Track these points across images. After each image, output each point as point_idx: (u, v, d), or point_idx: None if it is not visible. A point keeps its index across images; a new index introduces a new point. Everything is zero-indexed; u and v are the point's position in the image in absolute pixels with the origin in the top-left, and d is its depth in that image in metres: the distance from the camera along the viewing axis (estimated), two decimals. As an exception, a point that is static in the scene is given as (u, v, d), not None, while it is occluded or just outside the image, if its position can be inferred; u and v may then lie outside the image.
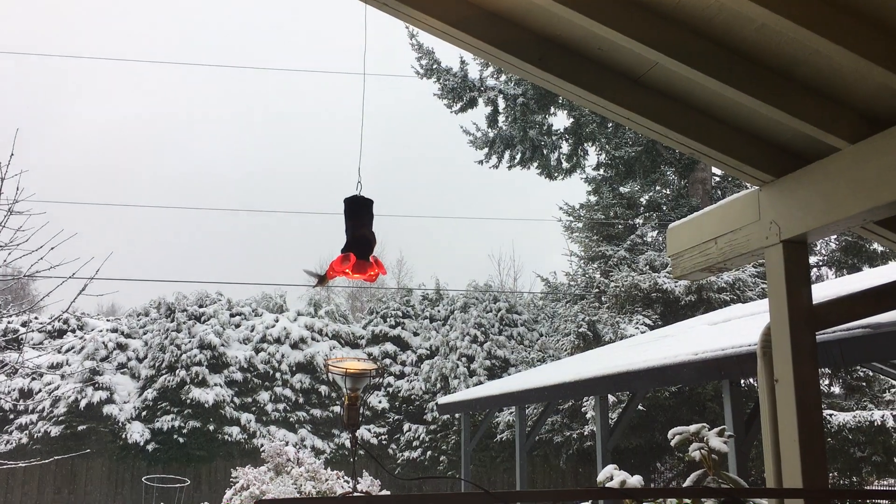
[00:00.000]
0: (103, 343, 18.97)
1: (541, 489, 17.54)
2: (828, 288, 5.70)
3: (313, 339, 20.59)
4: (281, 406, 19.44)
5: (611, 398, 13.94)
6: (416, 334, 21.42)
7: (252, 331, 20.37)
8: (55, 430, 17.58)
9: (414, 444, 19.58)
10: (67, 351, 18.97)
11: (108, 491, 18.30)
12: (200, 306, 19.99)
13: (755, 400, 10.35)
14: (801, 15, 2.29)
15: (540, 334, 20.79)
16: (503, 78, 18.65)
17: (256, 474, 9.67)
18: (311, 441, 19.03)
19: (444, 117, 19.33)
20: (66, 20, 62.85)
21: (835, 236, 18.63)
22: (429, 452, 19.39)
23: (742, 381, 7.61)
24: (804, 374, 2.88)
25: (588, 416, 15.60)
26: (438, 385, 19.46)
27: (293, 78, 73.48)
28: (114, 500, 18.26)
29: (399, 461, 19.42)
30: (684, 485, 3.08)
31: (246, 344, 20.10)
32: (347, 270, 2.89)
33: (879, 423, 13.17)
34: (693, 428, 3.31)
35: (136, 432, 18.05)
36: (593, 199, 21.26)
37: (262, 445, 17.02)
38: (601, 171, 20.43)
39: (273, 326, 20.41)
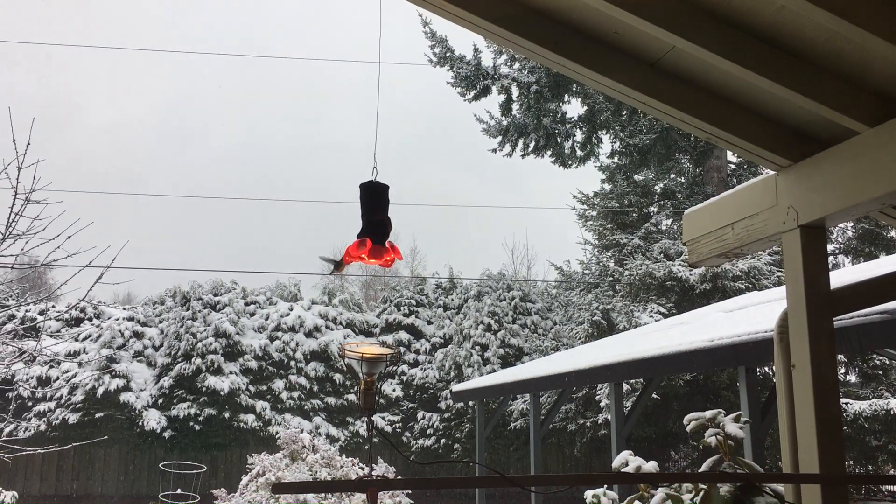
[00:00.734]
0: (120, 331, 19.13)
1: (555, 474, 17.53)
2: (845, 274, 5.67)
3: (327, 327, 20.68)
4: (295, 394, 19.55)
5: (625, 387, 13.93)
6: (429, 323, 21.46)
7: (266, 319, 20.47)
8: (73, 418, 17.77)
9: (428, 432, 19.65)
10: (84, 339, 19.14)
11: (125, 477, 18.49)
12: (215, 295, 20.10)
13: (770, 388, 10.32)
14: (821, -4, 2.27)
15: (554, 323, 20.78)
16: (517, 66, 18.57)
17: (272, 461, 9.73)
18: (325, 429, 19.14)
19: (458, 105, 19.23)
20: (84, 10, 63.09)
21: (852, 224, 18.49)
22: (443, 440, 19.46)
23: (757, 369, 7.58)
24: (822, 359, 2.87)
25: (602, 404, 15.59)
26: (452, 373, 19.50)
27: (308, 67, 73.46)
28: (131, 486, 18.45)
29: (413, 449, 19.50)
30: (700, 470, 3.08)
31: (261, 332, 20.21)
32: (363, 255, 2.89)
33: (896, 412, 13.11)
34: (709, 414, 3.30)
35: (153, 420, 18.21)
36: (607, 187, 21.18)
37: (277, 433, 17.12)
38: (615, 159, 20.33)
39: (287, 315, 20.50)
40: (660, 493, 3.34)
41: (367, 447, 18.65)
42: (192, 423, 18.33)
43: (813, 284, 2.93)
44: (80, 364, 18.17)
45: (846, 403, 13.47)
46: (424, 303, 21.95)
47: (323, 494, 8.43)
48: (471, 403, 18.17)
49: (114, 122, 60.09)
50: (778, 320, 3.15)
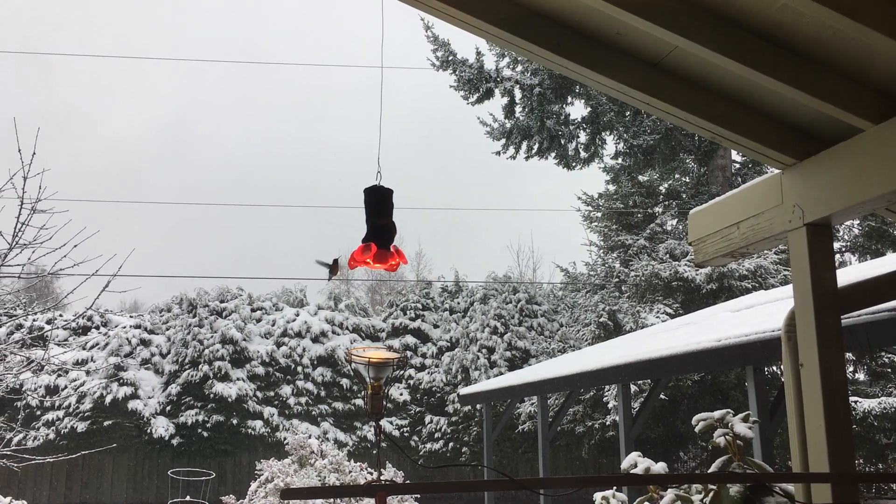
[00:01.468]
0: (127, 339, 19.17)
1: (564, 476, 17.50)
2: (852, 272, 5.65)
3: (334, 332, 20.68)
4: (303, 399, 19.55)
5: (632, 388, 13.90)
6: (436, 326, 21.45)
7: (273, 325, 20.49)
8: (81, 426, 17.80)
9: (436, 435, 19.63)
10: (92, 347, 19.18)
11: (134, 485, 18.52)
12: (222, 301, 20.14)
13: (778, 387, 10.28)
14: (823, -6, 2.26)
15: (560, 325, 20.75)
16: (519, 68, 18.57)
17: (281, 466, 9.73)
18: (333, 434, 19.14)
19: (461, 108, 19.23)
20: (85, 19, 63.33)
21: (858, 221, 18.43)
22: (451, 444, 19.44)
23: (765, 369, 7.55)
24: (830, 358, 2.86)
25: (610, 405, 15.56)
26: (459, 377, 19.48)
27: (313, 72, 73.63)
28: (140, 494, 18.48)
29: (421, 453, 19.48)
30: (709, 470, 3.07)
31: (267, 338, 20.23)
32: (368, 260, 2.89)
33: (905, 410, 13.03)
34: (717, 414, 3.29)
35: (161, 427, 18.24)
36: (612, 188, 21.16)
37: (285, 439, 17.09)
38: (620, 160, 20.30)
39: (294, 321, 20.52)
40: (669, 494, 3.33)
41: (375, 452, 18.63)
42: (200, 430, 18.35)
43: (820, 283, 2.92)
44: (87, 372, 18.20)
45: (855, 402, 13.41)
46: (430, 306, 21.94)
47: (332, 499, 8.42)
48: (478, 406, 18.15)
49: (117, 129, 60.29)
50: (785, 319, 3.14)
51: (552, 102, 18.58)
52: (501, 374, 18.22)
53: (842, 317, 2.97)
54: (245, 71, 62.08)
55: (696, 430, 3.33)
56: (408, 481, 11.65)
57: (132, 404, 18.24)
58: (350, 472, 9.81)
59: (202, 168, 57.93)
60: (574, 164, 19.70)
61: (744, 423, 3.25)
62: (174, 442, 18.27)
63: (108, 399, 18.00)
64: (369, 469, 10.28)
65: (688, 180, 20.91)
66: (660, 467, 3.70)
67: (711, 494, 3.07)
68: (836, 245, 19.01)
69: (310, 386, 19.73)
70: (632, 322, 16.46)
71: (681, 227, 19.59)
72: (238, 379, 18.97)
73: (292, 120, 62.45)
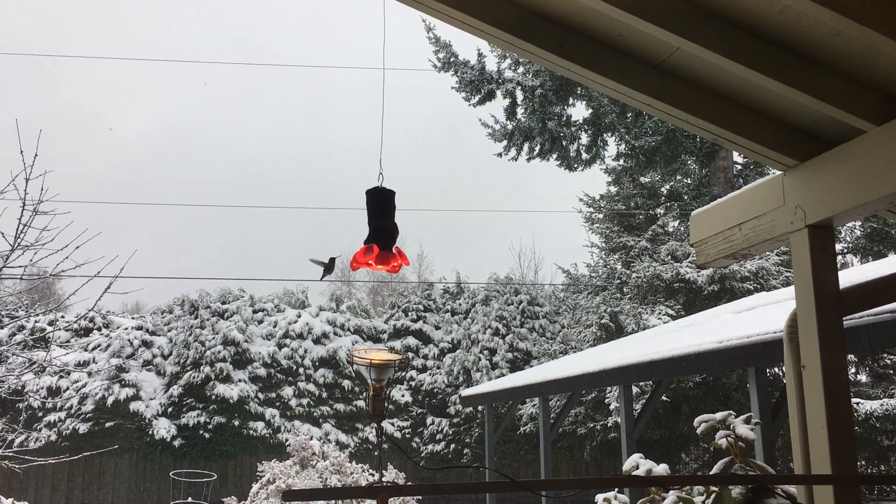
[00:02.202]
0: (129, 341, 19.17)
1: (566, 478, 17.52)
2: (854, 274, 5.64)
3: (335, 334, 20.68)
4: (304, 401, 19.55)
5: (634, 389, 13.89)
6: (437, 328, 21.44)
7: (275, 326, 20.50)
8: (83, 428, 17.81)
9: (437, 437, 19.63)
10: (94, 349, 19.19)
11: (136, 486, 18.52)
12: (223, 303, 20.15)
13: (780, 389, 10.28)
14: (825, -5, 2.26)
15: (562, 326, 20.74)
16: (521, 70, 18.57)
17: (282, 468, 9.74)
18: (335, 435, 19.14)
19: (463, 110, 19.24)
20: (92, 22, 63.44)
21: (859, 222, 18.41)
22: (452, 445, 19.43)
23: (767, 370, 7.55)
24: (832, 360, 2.86)
25: (612, 407, 15.55)
26: (461, 378, 19.48)
27: (315, 73, 73.67)
28: (142, 495, 18.48)
29: (423, 454, 19.48)
30: (711, 472, 3.07)
31: (269, 340, 20.24)
32: (370, 261, 2.89)
33: (908, 411, 13.03)
34: (719, 415, 3.29)
35: (163, 428, 18.24)
36: (614, 189, 21.16)
37: (286, 440, 17.14)
38: (621, 162, 20.30)
39: (295, 322, 20.52)
40: (671, 495, 3.33)
41: (376, 453, 18.64)
42: (201, 432, 18.36)
43: (822, 284, 2.92)
44: (89, 374, 18.20)
45: (857, 403, 13.40)
46: (432, 308, 21.94)
47: (334, 501, 8.43)
48: (480, 408, 18.15)
49: (121, 131, 60.36)
50: (787, 321, 3.14)
51: (554, 104, 18.58)
52: (503, 375, 18.21)
53: (844, 318, 2.97)
54: (248, 72, 62.19)
55: (698, 431, 3.33)
56: (409, 483, 11.65)
57: (134, 406, 18.25)
58: (352, 473, 9.82)
59: (205, 169, 57.97)
60: (576, 166, 19.69)
61: (746, 424, 3.25)
62: (176, 443, 18.27)
63: (110, 400, 18.01)
64: (371, 470, 10.29)
65: (689, 182, 20.90)
66: (661, 469, 3.70)
67: (713, 496, 3.07)
68: (838, 246, 18.99)
69: (311, 387, 19.73)
70: (633, 324, 16.45)
71: (682, 228, 19.57)
72: (240, 380, 18.97)
73: (295, 121, 62.56)
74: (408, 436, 19.91)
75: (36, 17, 60.51)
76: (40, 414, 18.13)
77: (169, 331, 20.14)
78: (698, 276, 16.72)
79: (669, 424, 15.97)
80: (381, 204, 3.02)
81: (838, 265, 3.03)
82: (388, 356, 2.73)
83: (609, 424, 16.39)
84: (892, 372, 15.30)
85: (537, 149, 19.38)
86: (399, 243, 3.06)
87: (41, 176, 7.21)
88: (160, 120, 62.05)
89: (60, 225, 7.34)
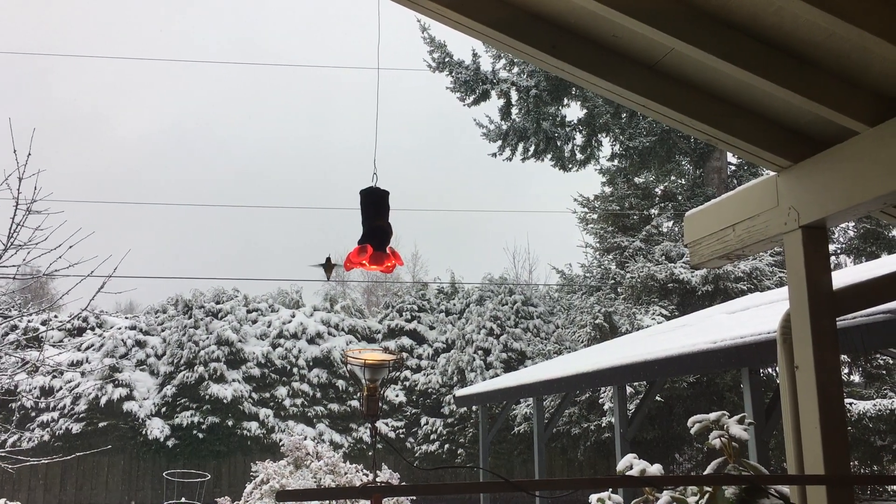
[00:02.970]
0: (122, 340, 19.12)
1: (560, 478, 17.53)
2: (847, 274, 5.66)
3: (329, 334, 20.66)
4: (299, 401, 19.52)
5: (628, 390, 13.90)
6: (431, 328, 21.44)
7: (269, 326, 20.46)
8: (76, 427, 17.76)
9: (431, 437, 19.62)
10: (87, 349, 19.13)
11: (129, 487, 18.47)
12: (217, 303, 20.10)
13: (774, 389, 10.30)
14: (818, -3, 2.27)
15: (556, 326, 20.75)
16: (515, 70, 18.59)
17: (276, 468, 9.71)
18: (329, 435, 19.11)
19: (458, 110, 19.27)
20: (91, 22, 63.24)
21: (853, 223, 18.47)
22: (446, 445, 19.43)
23: (761, 371, 7.57)
24: (825, 360, 2.86)
25: (606, 407, 15.57)
26: (455, 378, 19.48)
27: (311, 73, 73.61)
28: (135, 495, 18.43)
29: (417, 454, 19.47)
30: (705, 472, 3.07)
31: (263, 340, 20.20)
32: (364, 262, 2.89)
33: (900, 411, 13.07)
34: (713, 416, 3.29)
35: (156, 428, 18.19)
36: (608, 190, 21.19)
37: (280, 440, 17.11)
38: (615, 162, 20.34)
39: (289, 322, 20.49)
40: (665, 496, 3.33)
41: (370, 453, 18.63)
42: (195, 432, 18.32)
43: (815, 285, 2.93)
44: (82, 374, 18.15)
45: (850, 404, 13.44)
46: (426, 308, 21.93)
47: (328, 501, 8.42)
48: (474, 408, 18.14)
49: (120, 130, 60.21)
50: (781, 321, 3.15)
51: (548, 104, 18.60)
52: (497, 375, 18.21)
53: (837, 319, 2.98)
54: (248, 72, 62.09)
55: (692, 431, 3.34)
56: (403, 483, 11.64)
57: (127, 405, 18.20)
58: (346, 473, 9.80)
59: (200, 169, 57.86)
60: (570, 166, 19.73)
61: (739, 424, 3.25)
62: (169, 443, 18.23)
63: (103, 400, 17.95)
64: (365, 471, 10.27)
65: (683, 182, 20.95)
66: (655, 469, 3.70)
67: (707, 496, 3.08)
68: (832, 247, 19.05)
69: (305, 387, 19.70)
70: (627, 324, 16.47)
71: (676, 228, 19.62)
72: (233, 380, 18.93)
73: (295, 121, 62.49)
74: (402, 436, 19.89)
75: (36, 18, 60.35)
76: (33, 414, 18.06)
77: (162, 331, 20.09)
78: (692, 276, 16.76)
79: (663, 424, 16.00)
80: (375, 204, 3.02)
81: (832, 266, 3.04)
82: (383, 356, 2.73)
83: (603, 424, 16.41)
84: (884, 372, 15.35)
85: (532, 149, 19.41)
86: (393, 243, 3.05)
87: (34, 175, 7.20)
88: (160, 120, 61.95)
89: (54, 224, 7.32)
